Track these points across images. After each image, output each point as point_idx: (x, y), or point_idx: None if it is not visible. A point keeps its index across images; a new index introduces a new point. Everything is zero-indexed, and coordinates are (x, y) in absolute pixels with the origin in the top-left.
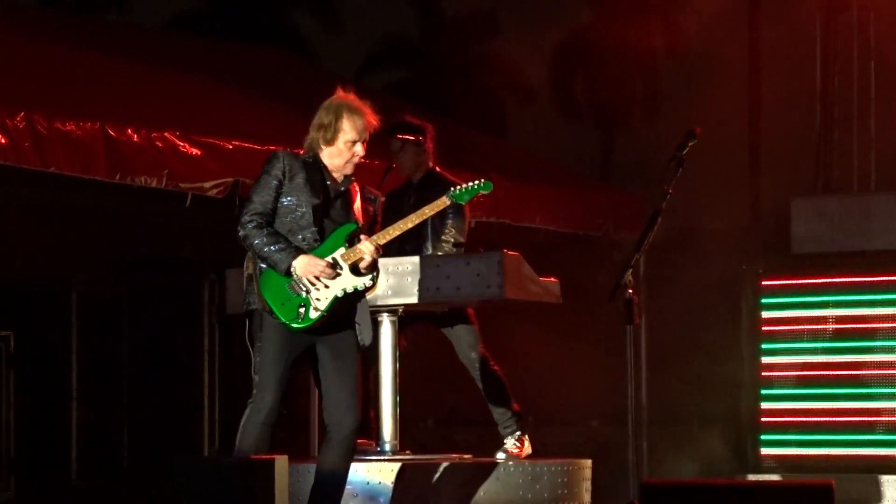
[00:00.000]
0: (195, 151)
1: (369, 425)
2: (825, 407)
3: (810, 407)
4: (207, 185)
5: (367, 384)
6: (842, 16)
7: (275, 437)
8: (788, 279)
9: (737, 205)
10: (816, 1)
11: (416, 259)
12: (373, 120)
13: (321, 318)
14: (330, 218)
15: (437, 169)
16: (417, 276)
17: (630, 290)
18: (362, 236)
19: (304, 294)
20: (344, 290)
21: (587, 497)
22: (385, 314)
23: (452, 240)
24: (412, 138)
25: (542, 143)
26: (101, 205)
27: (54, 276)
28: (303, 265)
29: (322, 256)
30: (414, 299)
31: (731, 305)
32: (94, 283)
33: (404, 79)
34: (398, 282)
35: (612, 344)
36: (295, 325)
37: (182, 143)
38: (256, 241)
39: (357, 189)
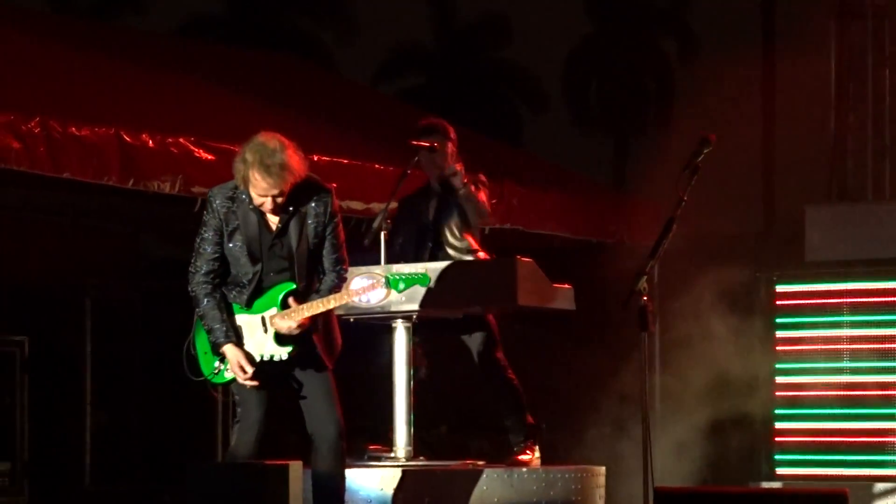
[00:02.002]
0: (209, 157)
1: (386, 433)
2: (839, 427)
3: (824, 427)
4: None
5: (380, 391)
6: (856, 24)
7: (287, 442)
8: (802, 290)
9: (751, 212)
10: (831, 9)
11: (430, 265)
12: (290, 179)
13: (234, 380)
14: (274, 264)
15: None
16: (390, 272)
17: (645, 298)
18: (290, 300)
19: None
20: (261, 357)
21: None
22: (399, 320)
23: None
24: (450, 139)
25: (556, 150)
26: (115, 210)
27: (68, 281)
28: (229, 356)
29: (255, 313)
30: (427, 306)
31: (745, 313)
32: (108, 288)
33: (418, 85)
34: (412, 288)
35: (625, 351)
36: (212, 380)
37: (196, 149)
38: (199, 309)
39: (304, 211)
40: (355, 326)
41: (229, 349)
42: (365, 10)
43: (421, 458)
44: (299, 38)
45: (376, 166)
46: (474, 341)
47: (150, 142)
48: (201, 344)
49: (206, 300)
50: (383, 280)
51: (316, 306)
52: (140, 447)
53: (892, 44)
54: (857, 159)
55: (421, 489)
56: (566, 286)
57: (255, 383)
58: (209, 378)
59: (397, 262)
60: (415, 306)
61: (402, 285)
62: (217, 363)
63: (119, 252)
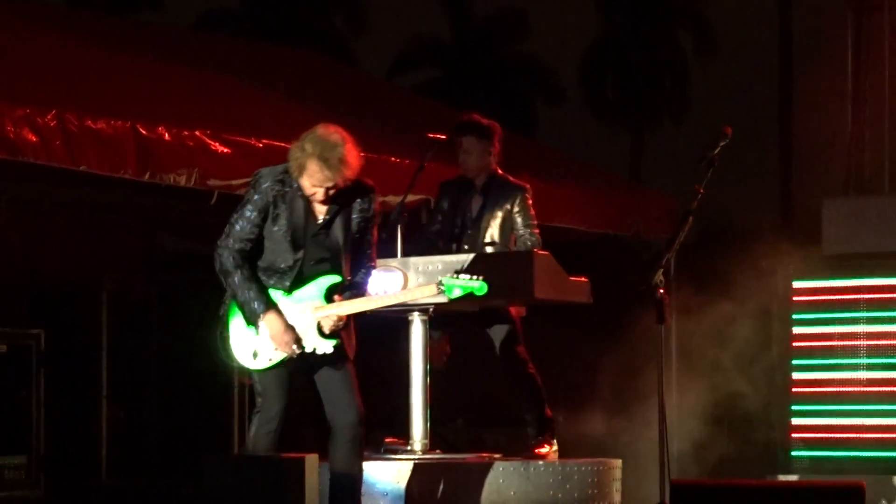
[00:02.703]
0: (225, 150)
1: (402, 426)
2: (856, 423)
3: (841, 423)
4: (236, 183)
5: (396, 384)
6: (874, 16)
7: (303, 436)
8: (819, 283)
9: (768, 205)
10: (848, 1)
11: (447, 258)
12: (347, 173)
13: (269, 369)
14: (315, 253)
15: (500, 171)
16: (448, 276)
17: (661, 291)
18: (336, 297)
19: (264, 337)
20: (303, 350)
21: (617, 497)
22: (416, 313)
23: (532, 229)
24: (485, 138)
25: (572, 144)
26: (131, 203)
27: (85, 274)
28: (269, 324)
29: (298, 302)
30: (444, 298)
31: (762, 306)
32: (125, 282)
33: (435, 78)
34: (429, 281)
35: (642, 344)
36: (243, 366)
37: (212, 142)
38: (232, 281)
39: (350, 206)
40: (371, 319)
41: (271, 318)
42: (382, 3)
43: (437, 451)
44: (315, 31)
45: (392, 159)
46: (496, 335)
47: (166, 135)
48: (234, 330)
49: (237, 272)
50: (440, 283)
51: (363, 304)
52: (156, 440)
53: None
54: (874, 152)
55: (437, 482)
56: (582, 279)
57: (300, 350)
58: (242, 367)
59: (429, 247)
60: (431, 299)
61: (457, 291)
62: (253, 350)
63: (135, 246)
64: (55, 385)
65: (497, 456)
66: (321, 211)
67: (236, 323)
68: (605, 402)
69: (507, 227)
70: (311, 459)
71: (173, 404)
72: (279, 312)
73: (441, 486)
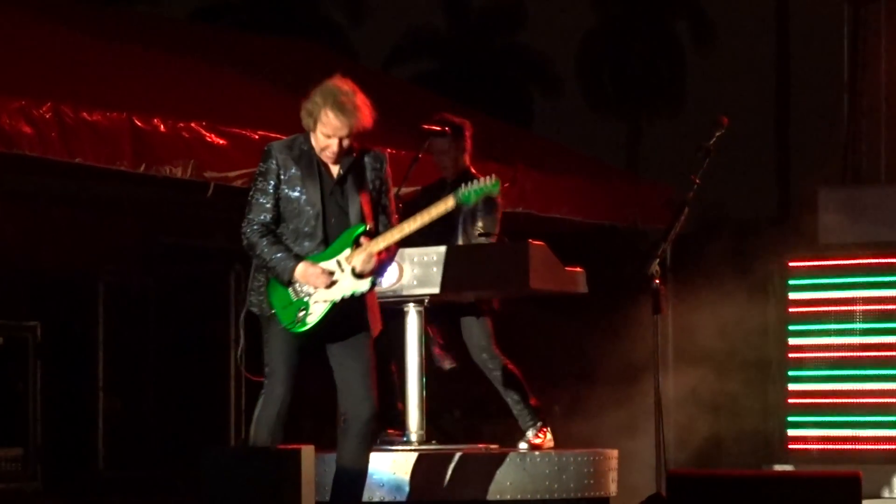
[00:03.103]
0: (221, 141)
1: (397, 416)
2: (853, 388)
3: (837, 388)
4: (232, 174)
5: (391, 375)
6: (870, 7)
7: (301, 427)
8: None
9: (764, 194)
10: None
11: (442, 249)
12: (362, 120)
13: (318, 323)
14: (335, 210)
15: (473, 170)
16: (443, 267)
17: (657, 281)
18: (363, 239)
19: (304, 297)
20: (342, 296)
21: (613, 487)
22: (411, 304)
23: (483, 231)
24: (451, 136)
25: (569, 134)
26: (128, 195)
27: (81, 266)
28: (301, 273)
29: (329, 258)
30: (439, 289)
31: (759, 295)
32: (121, 274)
33: (431, 70)
34: (424, 272)
35: (638, 334)
36: (293, 329)
37: (208, 134)
38: (259, 251)
39: (363, 163)
40: None
41: (301, 266)
42: None
43: (433, 441)
44: (312, 22)
45: (388, 151)
46: (468, 338)
47: (162, 126)
48: (277, 300)
49: (263, 240)
50: (456, 194)
51: (390, 235)
52: (153, 432)
53: None
54: (870, 142)
55: (433, 473)
56: (578, 270)
57: (328, 280)
58: (291, 329)
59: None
60: (427, 290)
61: (473, 197)
62: (299, 313)
63: (132, 238)
64: (52, 377)
65: (494, 447)
66: (334, 169)
67: (277, 292)
68: (601, 393)
69: (469, 223)
70: (308, 451)
71: (170, 396)
72: (303, 259)
73: (438, 477)
